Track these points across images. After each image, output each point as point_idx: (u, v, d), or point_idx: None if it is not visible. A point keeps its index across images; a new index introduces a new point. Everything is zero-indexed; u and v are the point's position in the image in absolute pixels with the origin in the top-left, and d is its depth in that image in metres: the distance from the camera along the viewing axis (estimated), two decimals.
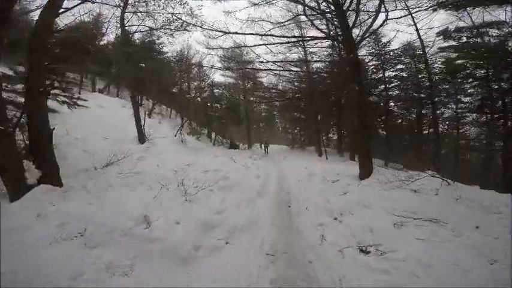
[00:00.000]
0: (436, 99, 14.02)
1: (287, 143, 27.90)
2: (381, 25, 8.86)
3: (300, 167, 11.19)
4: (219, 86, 19.41)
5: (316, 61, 14.32)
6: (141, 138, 10.07)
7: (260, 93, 23.57)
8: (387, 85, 17.84)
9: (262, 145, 21.96)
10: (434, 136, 14.47)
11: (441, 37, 12.67)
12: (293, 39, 14.12)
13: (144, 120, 10.50)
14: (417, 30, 12.92)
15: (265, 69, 13.29)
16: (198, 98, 17.31)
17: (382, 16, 8.90)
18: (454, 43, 12.59)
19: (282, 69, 15.02)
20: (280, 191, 7.84)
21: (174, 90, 19.72)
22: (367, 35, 8.94)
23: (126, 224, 4.25)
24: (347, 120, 16.27)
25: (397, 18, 9.05)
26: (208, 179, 7.18)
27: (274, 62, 13.00)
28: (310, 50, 18.62)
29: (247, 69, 16.22)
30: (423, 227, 4.76)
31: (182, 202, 5.27)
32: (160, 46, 19.77)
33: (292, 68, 20.34)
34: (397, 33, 13.02)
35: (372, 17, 8.79)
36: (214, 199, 5.80)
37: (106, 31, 15.28)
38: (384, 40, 16.85)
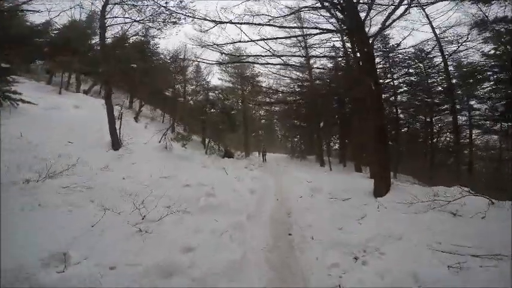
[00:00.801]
0: (456, 104, 12.58)
1: (286, 152, 26.42)
2: (402, 14, 7.50)
3: (301, 179, 9.62)
4: (214, 89, 18.01)
5: (322, 56, 12.74)
6: (116, 143, 8.53)
7: (259, 99, 22.41)
8: (396, 90, 16.49)
9: (260, 153, 20.67)
10: (453, 145, 12.99)
11: (475, 29, 11.15)
12: (296, 32, 12.83)
13: (121, 122, 8.98)
14: (433, 28, 11.62)
15: (263, 63, 11.78)
16: (191, 101, 15.89)
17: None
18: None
19: (283, 64, 13.61)
20: (278, 212, 6.25)
21: (167, 93, 18.38)
22: (388, 22, 7.54)
23: (31, 265, 2.70)
24: (353, 127, 14.81)
25: (424, 4, 7.69)
26: (186, 197, 5.64)
27: (275, 57, 11.64)
28: (313, 51, 17.42)
29: (244, 63, 14.81)
30: (490, 269, 3.21)
31: (133, 233, 3.69)
32: (154, 47, 18.79)
33: (293, 72, 19.26)
34: (411, 31, 11.70)
35: (391, 8, 7.45)
36: (186, 227, 4.23)
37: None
38: (391, 43, 15.58)
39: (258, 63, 11.51)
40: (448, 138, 14.52)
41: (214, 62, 18.71)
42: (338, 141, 22.33)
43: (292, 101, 20.88)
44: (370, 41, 7.97)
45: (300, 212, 6.19)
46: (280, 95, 21.32)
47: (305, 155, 21.81)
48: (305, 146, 23.85)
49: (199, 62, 13.54)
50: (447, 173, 15.12)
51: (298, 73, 20.05)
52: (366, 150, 15.37)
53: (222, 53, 9.87)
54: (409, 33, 12.65)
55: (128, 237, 3.56)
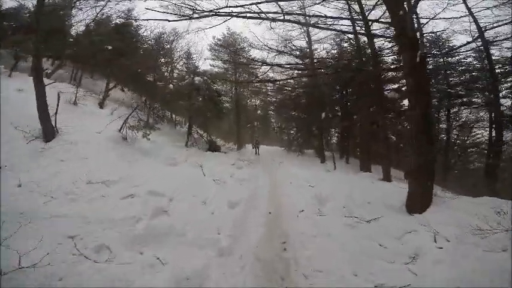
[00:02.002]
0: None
1: (282, 145, 24.27)
2: None
3: (302, 182, 7.48)
4: (203, 74, 15.55)
5: (332, 30, 10.14)
6: (48, 133, 6.22)
7: (254, 87, 20.20)
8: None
9: (254, 145, 18.62)
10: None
11: None
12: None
13: (57, 106, 6.66)
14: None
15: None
16: (171, 85, 13.49)
17: None
18: None
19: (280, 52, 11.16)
20: (269, 241, 4.08)
21: (148, 77, 16.00)
22: None
23: None
24: (358, 117, 12.58)
25: None
26: (118, 217, 3.47)
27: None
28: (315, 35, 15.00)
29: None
30: None
31: None
32: (136, 28, 16.49)
33: (292, 64, 16.84)
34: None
35: None
36: None
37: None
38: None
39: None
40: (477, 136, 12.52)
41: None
42: (337, 134, 20.36)
43: (290, 90, 18.74)
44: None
45: (301, 240, 4.06)
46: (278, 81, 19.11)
47: (303, 149, 19.67)
48: (302, 139, 21.70)
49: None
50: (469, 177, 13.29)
51: (297, 60, 17.72)
52: (374, 145, 13.38)
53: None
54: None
55: None
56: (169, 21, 6.07)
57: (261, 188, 6.61)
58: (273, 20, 6.27)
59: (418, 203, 5.00)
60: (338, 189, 6.49)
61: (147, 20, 10.40)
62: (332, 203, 5.43)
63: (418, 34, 6.48)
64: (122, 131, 7.86)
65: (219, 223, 4.16)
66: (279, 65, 8.39)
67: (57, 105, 6.73)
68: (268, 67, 8.72)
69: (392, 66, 12.01)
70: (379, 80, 11.46)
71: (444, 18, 9.16)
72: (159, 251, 3.21)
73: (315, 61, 14.81)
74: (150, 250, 3.21)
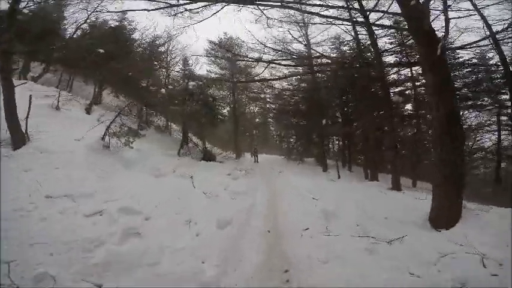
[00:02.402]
0: None
1: (282, 153, 23.51)
2: None
3: (304, 193, 6.68)
4: (199, 79, 14.92)
5: (331, 19, 9.25)
6: (17, 140, 5.45)
7: (253, 92, 19.71)
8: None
9: (252, 154, 18.10)
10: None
11: None
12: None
13: (29, 110, 5.92)
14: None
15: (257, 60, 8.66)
16: (162, 90, 12.83)
17: None
18: None
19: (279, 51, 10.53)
20: (269, 270, 3.27)
21: (141, 82, 15.40)
22: None
23: None
24: (366, 122, 11.83)
25: None
26: (70, 242, 2.69)
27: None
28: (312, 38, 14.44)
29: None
30: None
31: None
32: (130, 32, 16.07)
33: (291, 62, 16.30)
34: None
35: None
36: None
37: None
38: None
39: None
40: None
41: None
42: (338, 141, 19.71)
43: (289, 96, 18.26)
44: None
45: (308, 268, 3.27)
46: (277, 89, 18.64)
47: (303, 157, 18.92)
48: (302, 147, 20.97)
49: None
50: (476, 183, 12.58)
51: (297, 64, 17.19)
52: (380, 152, 12.65)
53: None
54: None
55: None
56: (148, 10, 5.45)
57: (259, 201, 5.80)
58: (271, 5, 5.63)
59: (445, 217, 4.23)
60: (346, 201, 5.70)
61: (125, 11, 9.82)
62: (341, 219, 4.63)
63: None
64: (104, 138, 7.09)
65: (205, 248, 3.35)
66: (277, 63, 7.75)
67: (29, 108, 5.99)
68: (266, 68, 8.07)
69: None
70: (384, 80, 10.79)
71: (454, 18, 8.60)
72: (122, 285, 2.40)
73: (314, 62, 14.17)
74: (109, 283, 2.42)
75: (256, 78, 11.41)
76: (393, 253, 3.44)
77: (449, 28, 4.23)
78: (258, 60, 6.79)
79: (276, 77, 8.30)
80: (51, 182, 4.27)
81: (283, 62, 8.57)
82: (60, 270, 2.53)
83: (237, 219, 4.36)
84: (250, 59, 7.02)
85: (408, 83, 13.95)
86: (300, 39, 14.29)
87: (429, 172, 14.23)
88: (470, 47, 9.11)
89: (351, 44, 13.57)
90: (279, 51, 8.19)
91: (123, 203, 3.97)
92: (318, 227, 4.39)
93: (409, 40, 11.66)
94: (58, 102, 9.02)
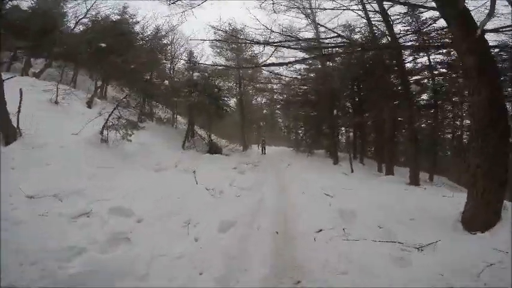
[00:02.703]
0: None
1: (290, 145, 22.93)
2: None
3: (316, 189, 6.15)
4: (204, 70, 14.37)
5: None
6: (8, 134, 5.11)
7: (260, 84, 19.17)
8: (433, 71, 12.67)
9: (260, 145, 18.00)
10: None
11: None
12: None
13: (20, 103, 5.55)
14: None
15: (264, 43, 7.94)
16: (166, 81, 12.38)
17: None
18: None
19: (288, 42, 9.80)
20: (278, 281, 2.80)
21: (145, 75, 15.04)
22: None
23: None
24: (382, 112, 11.05)
25: None
26: (45, 249, 2.27)
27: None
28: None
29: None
30: None
31: None
32: (132, 25, 15.65)
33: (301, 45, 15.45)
34: None
35: None
36: None
37: None
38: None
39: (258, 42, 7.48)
40: None
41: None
42: (348, 133, 19.00)
43: (298, 85, 17.57)
44: None
45: (325, 279, 2.76)
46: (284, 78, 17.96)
47: (312, 149, 18.29)
48: (311, 139, 20.32)
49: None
50: None
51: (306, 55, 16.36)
52: (396, 144, 11.93)
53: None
54: None
55: None
56: None
57: (266, 198, 5.31)
58: None
59: (481, 218, 3.64)
60: (364, 199, 5.16)
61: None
62: (360, 219, 4.09)
63: None
64: (102, 132, 6.71)
65: (204, 255, 2.89)
66: (286, 46, 7.11)
67: (20, 102, 5.63)
68: (273, 54, 7.42)
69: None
70: (402, 66, 9.95)
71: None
72: None
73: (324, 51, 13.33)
74: None
75: (262, 63, 10.63)
76: (426, 262, 2.90)
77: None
78: (265, 43, 6.15)
79: (285, 62, 7.63)
80: (38, 180, 3.89)
81: (292, 46, 7.82)
82: (30, 283, 2.14)
83: (242, 220, 3.89)
84: (256, 42, 6.37)
85: (425, 72, 13.01)
86: (308, 28, 13.51)
87: (446, 165, 13.44)
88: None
89: (363, 31, 12.63)
90: (287, 35, 7.52)
91: (115, 203, 3.57)
92: (334, 229, 3.88)
93: (427, 26, 10.74)
94: (57, 96, 8.69)
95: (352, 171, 9.77)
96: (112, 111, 6.76)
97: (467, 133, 12.88)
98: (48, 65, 13.56)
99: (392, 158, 10.09)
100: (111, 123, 6.51)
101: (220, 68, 15.86)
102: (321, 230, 3.91)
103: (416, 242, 3.28)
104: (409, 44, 11.46)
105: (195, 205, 4.17)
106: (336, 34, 9.42)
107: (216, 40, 11.71)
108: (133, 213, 3.50)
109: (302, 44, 12.33)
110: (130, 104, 7.84)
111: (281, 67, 16.93)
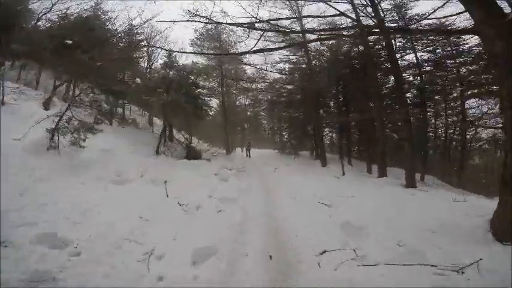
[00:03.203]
0: None
1: (275, 147, 22.29)
2: None
3: (310, 197, 5.37)
4: (182, 69, 13.25)
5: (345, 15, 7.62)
6: None
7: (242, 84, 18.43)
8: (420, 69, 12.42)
9: (245, 148, 17.66)
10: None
11: None
12: None
13: None
14: None
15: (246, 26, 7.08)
16: (137, 79, 11.16)
17: None
18: None
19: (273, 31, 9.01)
20: None
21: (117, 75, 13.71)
22: None
23: None
24: (372, 111, 10.51)
25: None
26: None
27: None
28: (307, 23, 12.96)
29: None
30: None
31: None
32: (104, 22, 14.31)
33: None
34: None
35: None
36: None
37: None
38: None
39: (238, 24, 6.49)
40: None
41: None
42: (333, 134, 18.58)
43: (282, 86, 17.01)
44: None
45: None
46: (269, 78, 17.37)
47: (297, 150, 17.69)
48: (297, 140, 19.76)
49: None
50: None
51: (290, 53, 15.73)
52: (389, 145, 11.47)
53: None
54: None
55: None
56: None
57: (254, 212, 4.40)
58: None
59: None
60: (367, 208, 4.41)
61: None
62: (371, 235, 3.31)
63: None
64: (53, 136, 5.51)
65: None
66: (272, 30, 6.35)
67: None
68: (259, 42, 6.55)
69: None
70: (394, 58, 9.45)
71: None
72: None
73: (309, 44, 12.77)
74: None
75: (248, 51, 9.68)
76: None
77: None
78: (250, 27, 5.33)
79: (270, 48, 6.82)
80: None
81: (279, 29, 7.05)
82: None
83: (224, 245, 2.96)
84: (239, 24, 5.52)
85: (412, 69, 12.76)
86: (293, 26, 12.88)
87: (430, 164, 13.23)
88: None
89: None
90: (273, 23, 6.71)
91: (45, 228, 2.53)
92: (341, 249, 3.07)
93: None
94: (3, 96, 7.35)
95: (344, 173, 9.11)
96: (64, 112, 5.57)
97: (451, 132, 12.83)
98: (1, 64, 11.93)
99: (385, 158, 9.55)
100: (62, 126, 5.33)
101: (200, 55, 14.86)
102: (325, 252, 3.10)
103: (452, 263, 2.54)
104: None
105: (162, 227, 3.18)
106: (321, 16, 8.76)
107: (191, 20, 10.69)
108: (69, 242, 2.48)
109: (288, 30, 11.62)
110: (85, 103, 6.64)
111: (266, 67, 16.30)
